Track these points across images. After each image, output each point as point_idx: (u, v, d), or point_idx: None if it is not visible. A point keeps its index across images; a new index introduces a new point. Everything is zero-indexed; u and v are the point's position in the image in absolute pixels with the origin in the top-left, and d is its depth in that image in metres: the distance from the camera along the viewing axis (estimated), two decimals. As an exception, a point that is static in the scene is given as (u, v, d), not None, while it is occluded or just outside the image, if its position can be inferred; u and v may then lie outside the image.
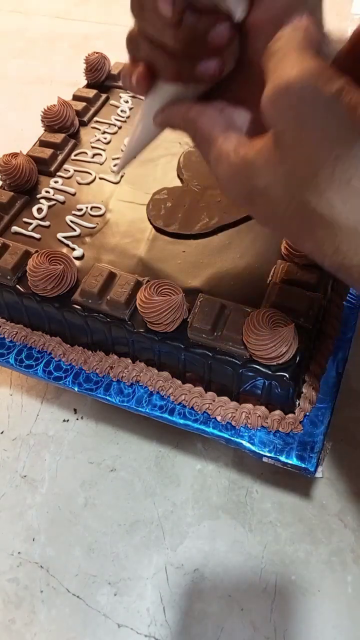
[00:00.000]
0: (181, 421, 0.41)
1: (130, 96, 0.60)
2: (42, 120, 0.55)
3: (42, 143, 0.54)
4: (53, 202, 0.50)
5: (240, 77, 0.27)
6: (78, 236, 0.47)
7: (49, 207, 0.49)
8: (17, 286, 0.44)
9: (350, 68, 0.25)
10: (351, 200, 0.21)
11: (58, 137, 0.54)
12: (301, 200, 0.23)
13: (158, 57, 0.29)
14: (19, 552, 0.46)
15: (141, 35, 0.29)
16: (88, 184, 0.52)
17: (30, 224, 0.48)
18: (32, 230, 0.48)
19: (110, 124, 0.57)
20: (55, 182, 0.51)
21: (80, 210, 0.49)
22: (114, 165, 0.53)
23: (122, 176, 0.50)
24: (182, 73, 0.29)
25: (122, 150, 0.55)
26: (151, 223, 0.47)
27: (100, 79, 0.61)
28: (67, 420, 0.53)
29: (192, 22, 0.26)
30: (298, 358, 0.37)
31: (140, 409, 0.42)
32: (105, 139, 0.56)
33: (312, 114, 0.21)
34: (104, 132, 0.57)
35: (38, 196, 0.50)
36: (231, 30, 0.27)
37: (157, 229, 0.47)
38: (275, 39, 0.23)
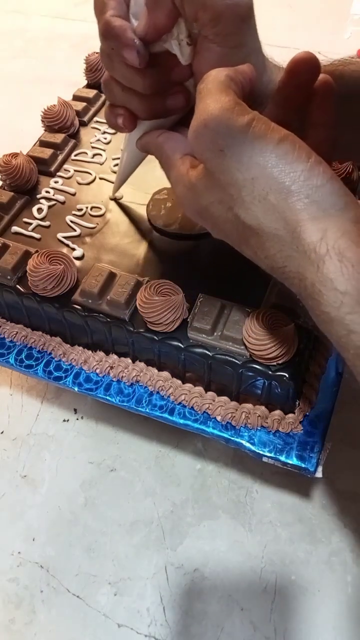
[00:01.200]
0: (181, 421, 0.41)
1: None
2: (42, 120, 0.55)
3: (42, 143, 0.54)
4: (53, 202, 0.50)
5: None
6: (78, 236, 0.47)
7: (49, 207, 0.49)
8: (17, 286, 0.44)
9: (289, 97, 0.31)
10: (269, 212, 0.25)
11: (58, 137, 0.54)
12: (234, 215, 0.27)
13: (132, 100, 0.33)
14: (19, 552, 0.46)
15: (114, 83, 0.33)
16: (88, 184, 0.52)
17: (30, 224, 0.48)
18: (32, 230, 0.48)
19: (110, 124, 0.57)
20: (56, 182, 0.52)
21: (81, 210, 0.49)
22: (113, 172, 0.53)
23: (120, 197, 0.50)
24: (155, 110, 0.34)
25: (120, 157, 0.55)
26: (151, 223, 0.47)
27: (100, 79, 0.61)
28: (67, 420, 0.53)
29: (155, 69, 0.31)
30: (298, 358, 0.37)
31: (140, 409, 0.42)
32: (105, 139, 0.56)
33: (228, 144, 0.25)
34: (104, 132, 0.57)
35: (38, 196, 0.50)
36: (188, 68, 0.32)
37: (157, 229, 0.47)
38: (201, 81, 0.27)
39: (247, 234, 0.27)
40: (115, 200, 0.50)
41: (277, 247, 0.26)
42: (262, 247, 0.27)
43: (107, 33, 0.30)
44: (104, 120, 0.57)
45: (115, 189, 0.49)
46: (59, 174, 0.52)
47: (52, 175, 0.52)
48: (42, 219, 0.48)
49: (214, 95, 0.26)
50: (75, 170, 0.53)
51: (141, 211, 0.49)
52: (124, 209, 0.49)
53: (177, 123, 0.36)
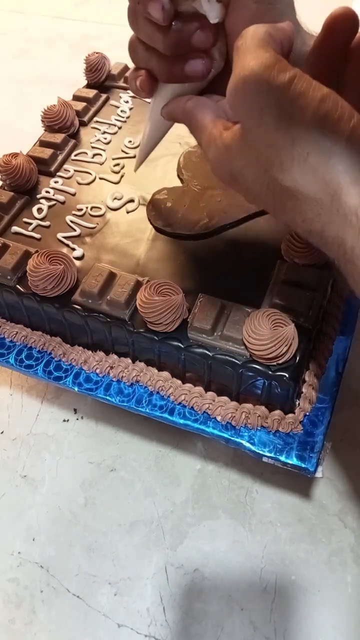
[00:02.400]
0: (181, 421, 0.41)
1: (131, 96, 0.60)
2: (42, 120, 0.55)
3: (42, 143, 0.54)
4: (53, 202, 0.50)
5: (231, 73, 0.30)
6: (78, 236, 0.47)
7: (49, 207, 0.49)
8: (17, 286, 0.44)
9: (324, 57, 0.29)
10: (309, 174, 0.24)
11: (58, 137, 0.54)
12: (270, 177, 0.26)
13: (152, 60, 0.33)
14: (19, 552, 0.46)
15: (138, 43, 0.33)
16: (88, 184, 0.52)
17: (30, 224, 0.48)
18: (32, 230, 0.48)
19: (110, 124, 0.57)
20: (56, 182, 0.51)
21: (81, 210, 0.49)
22: (117, 166, 0.53)
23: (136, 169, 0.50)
24: (174, 73, 0.33)
25: (124, 148, 0.55)
26: (151, 223, 0.47)
27: (100, 79, 0.61)
28: (67, 420, 0.53)
29: (178, 27, 0.30)
30: (298, 358, 0.37)
31: (140, 409, 0.42)
32: (105, 139, 0.56)
33: (268, 102, 0.24)
34: (104, 132, 0.57)
35: (38, 196, 0.50)
36: (211, 33, 0.31)
37: (157, 229, 0.47)
38: (240, 37, 0.26)
39: (283, 197, 0.26)
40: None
41: (316, 211, 0.25)
42: (299, 210, 0.26)
43: None
44: (104, 120, 0.58)
45: (138, 163, 0.47)
46: (59, 174, 0.52)
47: (52, 175, 0.52)
48: (42, 219, 0.48)
49: (253, 51, 0.25)
50: (75, 170, 0.53)
51: (141, 211, 0.49)
52: (124, 209, 0.49)
53: (204, 90, 0.35)
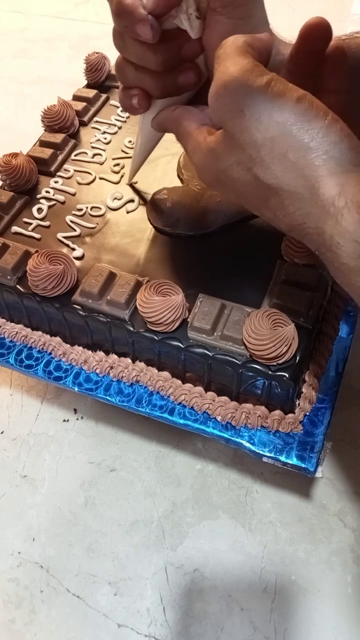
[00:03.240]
0: (181, 421, 0.41)
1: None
2: (42, 120, 0.55)
3: (42, 143, 0.54)
4: (53, 202, 0.50)
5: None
6: (78, 236, 0.47)
7: (49, 207, 0.49)
8: (17, 286, 0.44)
9: (301, 64, 0.32)
10: (289, 170, 0.26)
11: (58, 137, 0.54)
12: (253, 176, 0.27)
13: (145, 79, 0.35)
14: (19, 552, 0.46)
15: (126, 64, 0.35)
16: (88, 184, 0.52)
17: (30, 224, 0.48)
18: (32, 230, 0.48)
19: (110, 124, 0.57)
20: (56, 182, 0.51)
21: (80, 210, 0.49)
22: (119, 173, 0.53)
23: (136, 182, 0.51)
24: (167, 87, 0.35)
25: (124, 148, 0.55)
26: (151, 223, 0.47)
27: (100, 79, 0.61)
28: (67, 420, 0.53)
29: (166, 44, 0.32)
30: (298, 358, 0.37)
31: (140, 409, 0.42)
32: (105, 139, 0.56)
33: (247, 104, 0.25)
34: (104, 132, 0.57)
35: (38, 196, 0.50)
36: (198, 44, 0.33)
37: (157, 229, 0.47)
38: (220, 47, 0.28)
39: (266, 194, 0.28)
40: (132, 186, 0.51)
41: (297, 205, 0.26)
42: (281, 206, 0.27)
43: (120, 11, 0.31)
44: (104, 120, 0.58)
45: (132, 175, 0.50)
46: (59, 174, 0.52)
47: (52, 175, 0.52)
48: (42, 219, 0.48)
49: (232, 58, 0.26)
50: (75, 170, 0.53)
51: (141, 211, 0.49)
52: (124, 209, 0.49)
53: (191, 101, 0.37)
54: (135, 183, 0.50)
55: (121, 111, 0.59)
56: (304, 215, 0.26)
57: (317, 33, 0.30)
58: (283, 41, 0.34)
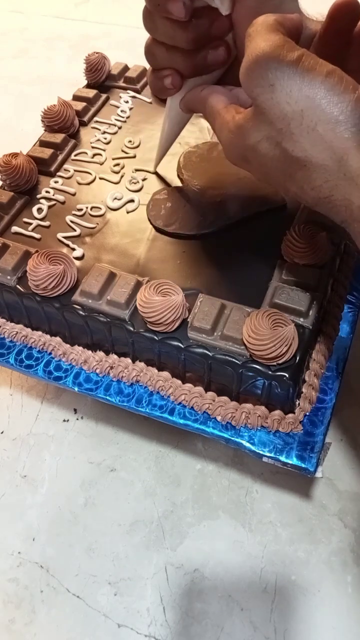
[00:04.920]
0: (181, 421, 0.41)
1: (131, 96, 0.60)
2: (42, 120, 0.55)
3: (42, 143, 0.54)
4: (53, 202, 0.50)
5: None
6: (78, 236, 0.47)
7: (49, 207, 0.49)
8: (17, 286, 0.44)
9: (329, 44, 0.32)
10: (318, 143, 0.26)
11: (58, 137, 0.54)
12: (281, 150, 0.28)
13: (176, 58, 0.36)
14: (19, 552, 0.46)
15: (156, 45, 0.36)
16: (88, 184, 0.52)
17: (30, 224, 0.48)
18: (32, 230, 0.48)
19: (110, 124, 0.57)
20: (55, 182, 0.51)
21: (80, 210, 0.49)
22: (119, 166, 0.53)
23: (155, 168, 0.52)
24: (197, 66, 0.36)
25: (124, 148, 0.55)
26: (151, 223, 0.47)
27: (100, 79, 0.61)
28: (67, 420, 0.53)
29: (197, 22, 0.33)
30: (298, 358, 0.37)
31: (140, 409, 0.42)
32: (105, 139, 0.56)
33: (278, 78, 0.26)
34: (104, 132, 0.57)
35: (38, 196, 0.50)
36: (228, 21, 0.34)
37: (157, 229, 0.47)
38: (251, 25, 0.28)
39: (293, 168, 0.28)
40: (157, 173, 0.52)
41: (324, 177, 0.27)
42: (308, 179, 0.28)
43: None
44: (104, 120, 0.58)
45: (158, 160, 0.51)
46: (59, 174, 0.52)
47: (52, 175, 0.52)
48: (42, 219, 0.48)
49: (264, 34, 0.27)
50: (75, 170, 0.53)
51: (141, 211, 0.49)
52: (124, 209, 0.49)
53: (219, 81, 0.38)
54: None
55: (121, 111, 0.59)
56: (332, 187, 0.27)
57: (345, 11, 0.31)
58: (310, 18, 0.35)
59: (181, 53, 0.35)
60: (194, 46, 0.34)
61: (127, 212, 0.49)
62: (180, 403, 0.42)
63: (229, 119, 0.31)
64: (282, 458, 0.39)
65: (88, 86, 0.62)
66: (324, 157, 0.26)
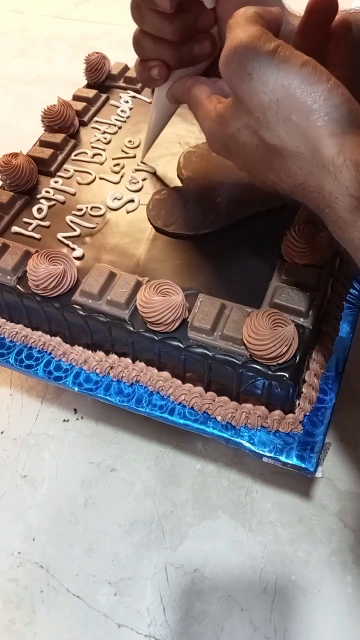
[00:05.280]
0: (181, 421, 0.41)
1: (131, 96, 0.60)
2: (42, 120, 0.55)
3: (42, 143, 0.54)
4: (53, 202, 0.50)
5: None
6: (78, 236, 0.47)
7: (49, 207, 0.49)
8: (17, 286, 0.44)
9: (308, 38, 0.33)
10: (292, 131, 0.27)
11: (58, 137, 0.54)
12: (259, 138, 0.29)
13: (162, 50, 0.36)
14: (19, 552, 0.46)
15: (143, 36, 0.36)
16: (88, 184, 0.52)
17: (30, 224, 0.48)
18: (32, 230, 0.48)
19: (110, 124, 0.57)
20: (55, 182, 0.51)
21: (80, 210, 0.49)
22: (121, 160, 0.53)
23: (153, 171, 0.52)
24: (183, 58, 0.37)
25: (124, 148, 0.55)
26: (151, 223, 0.47)
27: (100, 79, 0.61)
28: (67, 420, 0.53)
29: (182, 14, 0.34)
30: (298, 358, 0.37)
31: (140, 409, 0.42)
32: (105, 139, 0.56)
33: (255, 68, 0.27)
34: (104, 132, 0.57)
35: (38, 196, 0.50)
36: (213, 14, 0.35)
37: (157, 229, 0.47)
38: (232, 17, 0.29)
39: (271, 156, 0.29)
40: (148, 171, 0.52)
41: (299, 165, 0.28)
42: (284, 166, 0.29)
43: None
44: (104, 120, 0.58)
45: (145, 151, 0.51)
46: (59, 174, 0.52)
47: (52, 175, 0.52)
48: (42, 219, 0.48)
49: (242, 26, 0.28)
50: (75, 170, 0.53)
51: (141, 211, 0.49)
52: (124, 209, 0.49)
53: (204, 73, 0.38)
54: (153, 172, 0.52)
55: (121, 111, 0.59)
56: (306, 174, 0.28)
57: (323, 6, 0.32)
58: (293, 14, 0.36)
59: (167, 45, 0.36)
60: (179, 38, 0.35)
61: (127, 212, 0.49)
62: (180, 403, 0.42)
63: (211, 108, 0.32)
64: (282, 458, 0.39)
65: (88, 86, 0.62)
66: (298, 145, 0.27)
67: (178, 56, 0.37)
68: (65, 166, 0.53)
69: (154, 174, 0.52)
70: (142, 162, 0.53)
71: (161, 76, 0.38)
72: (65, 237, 0.47)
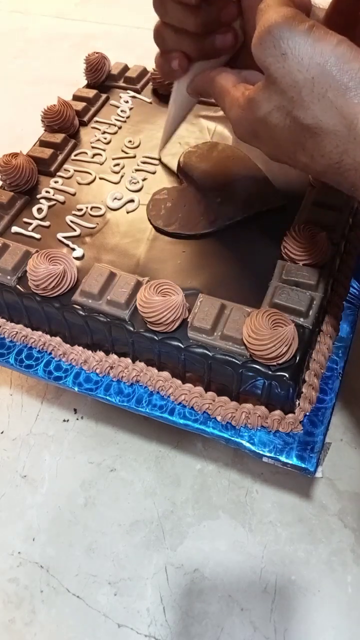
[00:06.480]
0: (181, 421, 0.41)
1: (131, 96, 0.60)
2: (42, 120, 0.55)
3: (42, 143, 0.54)
4: (53, 202, 0.50)
5: (249, 49, 0.33)
6: (78, 236, 0.47)
7: (49, 207, 0.49)
8: (17, 286, 0.44)
9: (336, 24, 0.32)
10: (328, 109, 0.27)
11: (58, 137, 0.54)
12: (292, 118, 0.29)
13: (184, 41, 0.37)
14: (19, 552, 0.46)
15: (165, 28, 0.37)
16: (88, 184, 0.52)
17: (30, 224, 0.48)
18: (32, 230, 0.48)
19: (110, 124, 0.57)
20: (55, 182, 0.51)
21: (80, 210, 0.49)
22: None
23: (160, 156, 0.53)
24: (205, 49, 0.37)
25: (124, 148, 0.55)
26: (151, 223, 0.47)
27: (100, 79, 0.61)
28: (67, 420, 0.53)
29: (206, 7, 0.34)
30: (298, 358, 0.37)
31: (140, 409, 0.42)
32: (105, 139, 0.56)
33: (290, 47, 0.27)
34: (104, 132, 0.57)
35: (38, 196, 0.50)
36: (236, 7, 0.35)
37: (157, 229, 0.47)
38: (263, 1, 0.29)
39: (304, 136, 0.29)
40: (160, 161, 0.53)
41: (334, 143, 0.28)
42: (318, 146, 0.29)
43: None
44: (104, 120, 0.58)
45: (163, 144, 0.52)
46: (59, 174, 0.52)
47: (52, 175, 0.52)
48: (42, 219, 0.48)
49: (275, 7, 0.28)
50: (75, 170, 0.53)
51: (141, 211, 0.49)
52: (124, 209, 0.49)
53: (226, 65, 0.38)
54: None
55: (121, 111, 0.59)
56: (342, 152, 0.28)
57: None
58: (318, 7, 0.36)
59: (189, 37, 0.36)
60: (202, 30, 0.36)
61: (127, 212, 0.49)
62: (180, 403, 0.42)
63: (238, 95, 0.32)
64: (282, 458, 0.39)
65: (88, 86, 0.62)
66: (334, 123, 0.27)
67: (200, 48, 0.37)
68: (65, 166, 0.53)
69: (154, 173, 0.52)
70: (159, 160, 0.53)
71: (182, 67, 0.38)
72: (65, 237, 0.47)
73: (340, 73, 0.27)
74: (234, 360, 0.38)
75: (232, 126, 0.34)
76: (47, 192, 0.50)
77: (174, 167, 0.52)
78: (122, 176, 0.52)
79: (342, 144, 0.28)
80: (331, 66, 0.27)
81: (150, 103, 0.60)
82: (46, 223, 0.48)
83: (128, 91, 0.61)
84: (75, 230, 0.47)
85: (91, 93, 0.59)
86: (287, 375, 0.37)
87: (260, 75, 0.30)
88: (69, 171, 0.52)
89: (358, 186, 0.28)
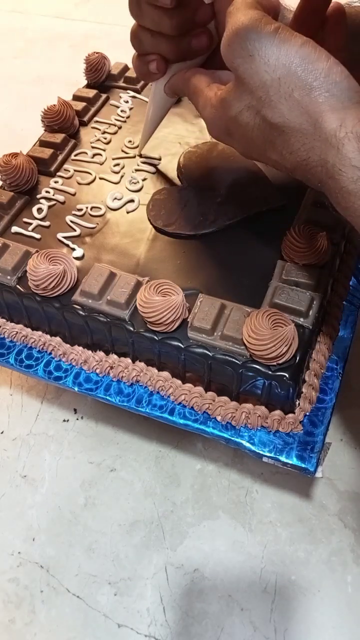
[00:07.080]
0: (181, 421, 0.41)
1: (131, 96, 0.60)
2: (42, 120, 0.55)
3: (42, 143, 0.54)
4: (53, 202, 0.50)
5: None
6: (78, 236, 0.47)
7: (49, 207, 0.49)
8: (17, 286, 0.44)
9: (304, 26, 0.34)
10: (294, 108, 0.28)
11: (58, 137, 0.54)
12: (261, 117, 0.30)
13: (160, 44, 0.38)
14: (19, 552, 0.46)
15: (141, 31, 0.38)
16: (88, 184, 0.52)
17: (30, 224, 0.48)
18: (32, 230, 0.48)
19: (110, 124, 0.57)
20: (55, 182, 0.51)
21: (80, 210, 0.49)
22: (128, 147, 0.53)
23: (158, 160, 0.53)
24: (181, 51, 0.38)
25: (124, 148, 0.55)
26: (151, 223, 0.47)
27: (100, 79, 0.61)
28: (67, 420, 0.53)
29: (181, 9, 0.35)
30: (298, 358, 0.37)
31: (140, 409, 0.42)
32: (105, 139, 0.56)
33: (257, 48, 0.28)
34: (104, 132, 0.57)
35: (38, 196, 0.50)
36: (210, 9, 0.37)
37: (157, 229, 0.47)
38: (232, 4, 0.30)
39: (273, 135, 0.30)
40: (141, 156, 0.53)
41: (301, 141, 0.29)
42: (287, 144, 0.30)
43: None
44: (104, 120, 0.58)
45: (142, 145, 0.52)
46: (59, 174, 0.52)
47: (52, 175, 0.52)
48: (42, 219, 0.48)
49: (242, 10, 0.29)
50: (75, 170, 0.53)
51: (141, 211, 0.49)
52: (124, 209, 0.49)
53: (201, 67, 0.40)
54: (158, 160, 0.53)
55: (121, 111, 0.59)
56: (308, 149, 0.29)
57: None
58: (287, 8, 0.37)
59: (166, 39, 0.37)
60: (178, 32, 0.36)
61: (127, 212, 0.49)
62: (180, 403, 0.42)
63: (211, 95, 0.34)
64: (282, 458, 0.39)
65: (88, 86, 0.62)
66: (301, 121, 0.28)
67: (176, 50, 0.38)
68: (65, 166, 0.53)
69: (154, 173, 0.52)
70: (139, 155, 0.53)
71: (159, 70, 0.39)
72: (65, 237, 0.47)
73: (305, 73, 0.27)
74: (234, 360, 0.38)
75: (206, 125, 0.35)
76: (47, 192, 0.50)
77: (174, 167, 0.51)
78: (122, 176, 0.52)
79: (308, 141, 0.29)
80: (296, 66, 0.27)
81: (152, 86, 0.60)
82: (46, 223, 0.48)
83: (128, 91, 0.61)
84: (75, 230, 0.47)
85: (91, 93, 0.59)
86: (287, 375, 0.37)
87: (233, 75, 0.31)
88: (69, 171, 0.52)
89: (324, 182, 0.29)
